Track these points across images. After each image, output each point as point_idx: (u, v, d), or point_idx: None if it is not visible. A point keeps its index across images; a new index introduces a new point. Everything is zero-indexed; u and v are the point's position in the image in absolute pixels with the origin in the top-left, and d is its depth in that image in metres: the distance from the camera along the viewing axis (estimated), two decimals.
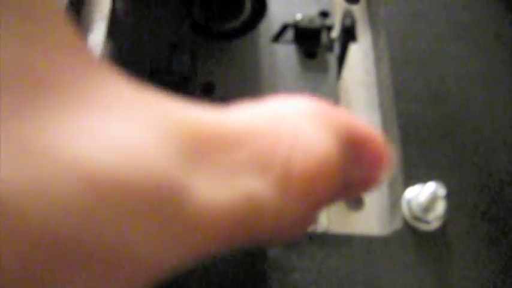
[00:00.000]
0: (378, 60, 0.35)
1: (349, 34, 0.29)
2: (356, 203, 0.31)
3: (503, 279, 0.27)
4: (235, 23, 0.31)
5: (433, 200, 0.27)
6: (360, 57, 0.36)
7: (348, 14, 0.29)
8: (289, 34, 0.30)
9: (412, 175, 0.29)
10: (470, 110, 0.31)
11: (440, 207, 0.28)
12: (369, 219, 0.31)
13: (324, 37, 0.30)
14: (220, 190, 0.13)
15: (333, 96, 0.28)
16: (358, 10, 0.38)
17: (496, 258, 0.28)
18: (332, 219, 0.30)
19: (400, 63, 0.33)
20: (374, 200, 0.31)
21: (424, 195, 0.27)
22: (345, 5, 0.36)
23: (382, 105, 0.33)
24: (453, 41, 0.33)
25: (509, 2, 0.34)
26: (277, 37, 0.30)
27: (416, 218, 0.28)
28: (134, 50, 0.29)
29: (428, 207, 0.28)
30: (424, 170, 0.29)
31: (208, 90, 0.28)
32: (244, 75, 0.29)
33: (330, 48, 0.30)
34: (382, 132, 0.33)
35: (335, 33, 0.31)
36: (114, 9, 0.30)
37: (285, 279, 0.27)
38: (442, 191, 0.27)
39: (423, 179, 0.29)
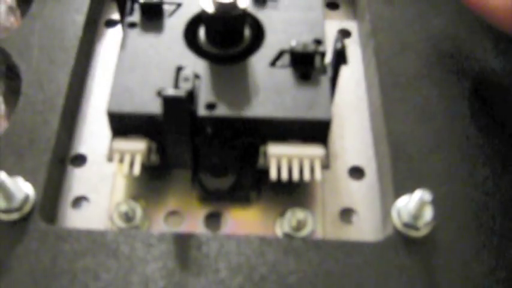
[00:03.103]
0: (369, 86, 0.38)
1: (340, 57, 0.31)
2: (350, 217, 0.33)
3: (490, 284, 0.29)
4: (236, 49, 0.33)
5: (421, 206, 0.29)
6: (352, 85, 0.39)
7: (339, 39, 0.31)
8: (286, 59, 0.33)
9: (401, 187, 0.31)
10: (454, 127, 0.33)
11: (428, 214, 0.30)
12: (361, 230, 0.32)
13: (317, 61, 0.32)
14: None
15: (327, 113, 0.31)
16: (350, 42, 0.41)
17: (484, 263, 0.29)
18: (327, 230, 0.32)
19: (389, 88, 0.35)
20: (366, 212, 0.33)
21: (413, 203, 0.29)
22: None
23: (373, 127, 0.36)
24: (438, 67, 0.36)
25: (494, 32, 0.37)
26: (275, 61, 0.33)
27: (406, 225, 0.30)
28: (142, 73, 0.31)
29: (417, 214, 0.29)
30: (412, 183, 0.31)
31: (210, 109, 0.31)
32: (244, 95, 0.31)
33: (323, 71, 0.32)
34: (374, 150, 0.35)
35: (327, 60, 0.33)
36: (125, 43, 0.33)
37: (282, 282, 0.28)
38: (428, 196, 0.29)
39: (412, 190, 0.31)
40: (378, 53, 0.37)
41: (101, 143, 0.35)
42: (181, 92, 0.28)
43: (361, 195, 0.34)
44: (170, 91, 0.28)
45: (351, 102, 0.38)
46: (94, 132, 0.36)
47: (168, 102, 0.29)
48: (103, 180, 0.34)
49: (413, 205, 0.29)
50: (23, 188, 0.30)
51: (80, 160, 0.35)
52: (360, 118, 0.37)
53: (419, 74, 0.36)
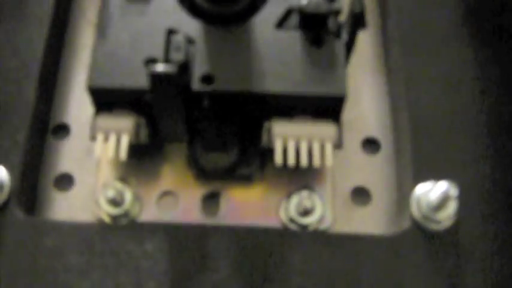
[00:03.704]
0: (388, 42, 0.33)
1: (358, 21, 0.27)
2: (363, 198, 0.30)
3: None
4: (236, 7, 0.29)
5: (444, 199, 0.26)
6: (368, 40, 0.34)
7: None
8: (294, 19, 0.28)
9: (422, 170, 0.28)
10: (485, 100, 0.29)
11: (451, 207, 0.26)
12: (375, 215, 0.29)
13: (331, 23, 0.28)
14: None
15: (341, 87, 0.27)
16: None
17: (508, 260, 0.26)
18: (338, 215, 0.29)
19: (412, 47, 0.31)
20: (381, 195, 0.30)
21: (435, 193, 0.26)
22: None
23: (391, 92, 0.32)
24: (470, 25, 0.31)
25: None
26: (282, 22, 0.28)
27: (426, 217, 0.27)
28: (128, 39, 0.27)
29: (439, 206, 0.26)
30: (435, 165, 0.28)
31: (207, 82, 0.27)
32: (245, 65, 0.27)
33: (337, 34, 0.28)
34: (391, 124, 0.31)
35: (343, 17, 0.29)
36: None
37: (286, 282, 0.26)
38: (454, 191, 0.25)
39: (434, 175, 0.27)
40: (398, 6, 0.32)
41: (86, 112, 0.30)
42: (171, 68, 0.24)
43: (376, 172, 0.30)
44: (159, 67, 0.24)
45: (366, 60, 0.33)
46: (78, 99, 0.32)
47: (157, 79, 0.25)
48: (89, 154, 0.30)
49: (436, 197, 0.26)
50: None
51: (62, 131, 0.31)
52: (376, 80, 0.33)
53: (447, 33, 0.31)
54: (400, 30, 0.31)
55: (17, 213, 0.27)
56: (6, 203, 0.27)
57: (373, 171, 0.30)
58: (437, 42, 0.31)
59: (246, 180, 0.30)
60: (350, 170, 0.31)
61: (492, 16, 0.31)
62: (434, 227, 0.27)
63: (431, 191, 0.27)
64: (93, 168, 0.30)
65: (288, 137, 0.27)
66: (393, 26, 0.32)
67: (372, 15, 0.34)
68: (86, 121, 0.30)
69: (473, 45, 0.30)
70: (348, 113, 0.31)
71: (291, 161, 0.27)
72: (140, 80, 0.26)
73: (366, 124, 0.32)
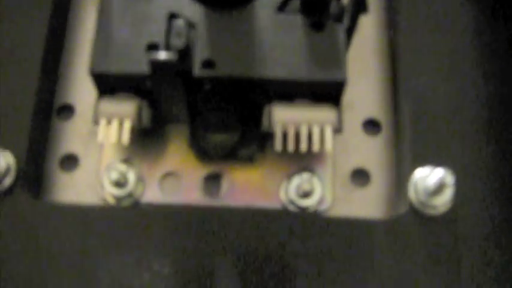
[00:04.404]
0: (390, 23, 0.33)
1: (360, 5, 0.27)
2: (362, 180, 0.30)
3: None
4: None
5: (440, 186, 0.26)
6: (370, 20, 0.34)
7: None
8: (295, 3, 0.28)
9: (421, 155, 0.28)
10: (487, 86, 0.29)
11: (448, 193, 0.27)
12: (374, 197, 0.30)
13: (332, 7, 0.28)
14: None
15: (341, 73, 0.27)
16: None
17: (506, 244, 0.27)
18: (337, 196, 0.30)
19: (417, 29, 0.31)
20: (381, 177, 0.30)
21: (432, 180, 0.26)
22: None
23: (393, 76, 0.32)
24: (476, 6, 0.31)
25: None
26: (282, 6, 0.28)
27: (423, 202, 0.27)
28: (129, 24, 0.27)
29: (435, 192, 0.27)
30: (434, 150, 0.28)
31: (208, 67, 0.27)
32: (246, 50, 0.27)
33: (338, 19, 0.28)
34: (392, 106, 0.31)
35: (345, 1, 0.28)
36: None
37: (288, 260, 0.27)
38: (450, 179, 0.26)
39: (433, 160, 0.28)
40: None
41: (90, 92, 0.31)
42: (172, 55, 0.25)
43: (376, 154, 0.31)
44: (159, 54, 0.25)
45: (369, 40, 0.33)
46: (82, 80, 0.32)
47: (157, 66, 0.25)
48: (93, 135, 0.31)
49: (433, 183, 0.26)
50: (3, 159, 0.27)
51: (67, 112, 0.31)
52: (379, 61, 0.33)
53: (450, 18, 0.31)
54: (403, 14, 0.31)
55: (24, 196, 0.27)
56: (13, 186, 0.27)
57: (373, 153, 0.31)
58: (440, 27, 0.30)
59: (247, 161, 0.30)
60: (350, 151, 0.31)
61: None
62: (430, 211, 0.27)
63: (428, 177, 0.27)
64: (97, 149, 0.30)
65: (288, 122, 0.27)
66: (397, 10, 0.31)
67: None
68: (90, 101, 0.30)
69: (475, 30, 0.30)
70: (350, 93, 0.31)
71: (291, 146, 0.27)
72: (142, 66, 0.26)
73: (367, 105, 0.32)
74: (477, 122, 0.29)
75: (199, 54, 0.27)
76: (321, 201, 0.29)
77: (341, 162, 0.30)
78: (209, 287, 0.26)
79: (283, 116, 0.27)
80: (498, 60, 0.30)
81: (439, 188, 0.26)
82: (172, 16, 0.28)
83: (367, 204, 0.30)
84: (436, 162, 0.27)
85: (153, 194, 0.29)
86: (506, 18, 0.30)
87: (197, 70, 0.27)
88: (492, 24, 0.30)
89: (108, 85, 0.27)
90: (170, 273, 0.26)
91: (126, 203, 0.29)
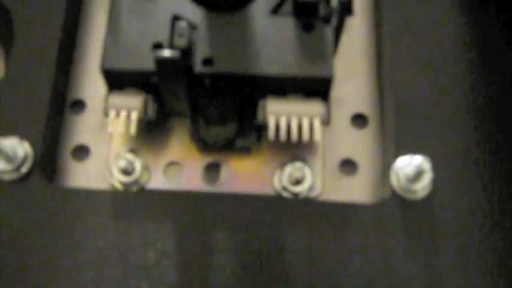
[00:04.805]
0: (377, 26, 0.35)
1: (346, 8, 0.29)
2: (350, 169, 0.33)
3: (487, 247, 0.29)
4: None
5: (419, 172, 0.29)
6: (358, 22, 0.36)
7: None
8: (288, 6, 0.31)
9: (403, 145, 0.31)
10: (465, 81, 0.32)
11: (426, 179, 0.29)
12: (361, 185, 0.32)
13: (322, 10, 0.30)
14: None
15: (329, 69, 0.29)
16: None
17: (480, 226, 0.29)
18: (327, 184, 0.32)
19: (398, 31, 0.33)
20: (367, 166, 0.33)
21: (411, 167, 0.29)
22: None
23: (379, 74, 0.34)
24: (453, 8, 0.34)
25: None
26: (276, 9, 0.31)
27: (404, 188, 0.30)
28: (137, 25, 0.30)
29: (414, 178, 0.29)
30: (415, 141, 0.31)
31: (208, 64, 0.29)
32: (242, 49, 0.30)
33: (327, 20, 0.30)
34: (378, 100, 0.34)
35: (334, 3, 0.31)
36: None
37: (281, 242, 0.29)
38: (427, 165, 0.28)
39: (414, 150, 0.30)
40: None
41: (100, 88, 0.34)
42: (175, 53, 0.27)
43: (363, 146, 0.33)
44: (164, 52, 0.27)
45: (357, 41, 0.36)
46: (92, 77, 0.35)
47: (162, 63, 0.28)
48: (103, 127, 0.33)
49: (412, 169, 0.29)
50: (22, 149, 0.30)
51: (78, 106, 0.34)
52: (367, 60, 0.35)
53: (431, 18, 0.33)
54: (388, 15, 0.34)
55: (40, 181, 0.30)
56: (30, 173, 0.30)
57: (360, 145, 0.33)
58: (422, 26, 0.33)
59: (244, 152, 0.33)
60: (339, 142, 0.33)
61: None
62: (411, 196, 0.30)
63: (408, 165, 0.29)
64: (106, 140, 0.33)
65: (280, 114, 0.30)
66: (381, 11, 0.34)
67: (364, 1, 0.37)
68: (100, 97, 0.33)
69: (455, 28, 0.33)
70: (339, 90, 0.34)
71: (283, 136, 0.30)
72: (148, 63, 0.29)
73: (355, 101, 0.34)
74: (455, 113, 0.31)
75: (200, 53, 0.30)
76: (311, 188, 0.32)
77: (331, 152, 0.33)
78: (208, 264, 0.29)
79: (276, 109, 0.30)
80: (476, 55, 0.32)
81: (418, 174, 0.29)
82: (176, 18, 0.30)
83: (354, 191, 0.32)
84: (416, 151, 0.30)
85: (158, 181, 0.32)
86: (483, 12, 0.33)
87: (198, 67, 0.29)
88: (469, 19, 0.33)
89: (117, 80, 0.30)
90: (173, 251, 0.29)
91: (132, 189, 0.31)
